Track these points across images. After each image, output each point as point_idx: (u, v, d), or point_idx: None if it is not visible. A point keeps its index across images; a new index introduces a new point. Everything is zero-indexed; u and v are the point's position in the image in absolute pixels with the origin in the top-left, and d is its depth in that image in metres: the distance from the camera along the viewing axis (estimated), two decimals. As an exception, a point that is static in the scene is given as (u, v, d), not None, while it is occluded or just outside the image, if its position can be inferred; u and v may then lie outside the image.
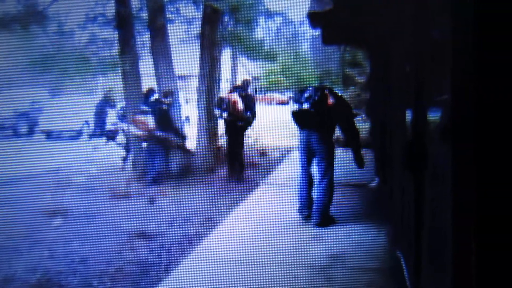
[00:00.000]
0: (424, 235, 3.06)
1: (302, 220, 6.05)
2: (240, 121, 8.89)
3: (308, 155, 6.14)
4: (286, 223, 5.94)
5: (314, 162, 6.17)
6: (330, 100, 6.03)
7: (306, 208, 6.11)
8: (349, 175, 7.83)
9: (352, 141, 6.31)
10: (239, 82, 11.18)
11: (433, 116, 2.71)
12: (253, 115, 9.12)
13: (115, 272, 5.07)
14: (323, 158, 6.08)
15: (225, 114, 8.87)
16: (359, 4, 6.90)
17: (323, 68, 15.44)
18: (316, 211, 6.01)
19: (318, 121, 6.03)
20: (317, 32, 11.31)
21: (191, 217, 6.95)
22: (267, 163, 10.47)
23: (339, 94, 6.58)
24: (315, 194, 6.11)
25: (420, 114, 3.19)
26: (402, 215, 4.35)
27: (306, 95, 6.08)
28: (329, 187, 6.05)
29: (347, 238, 5.47)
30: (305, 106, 6.02)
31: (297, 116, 6.14)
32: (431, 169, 2.79)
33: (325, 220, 5.96)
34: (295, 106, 6.15)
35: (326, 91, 6.17)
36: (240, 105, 8.86)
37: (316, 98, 6.00)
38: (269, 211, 6.51)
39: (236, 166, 9.05)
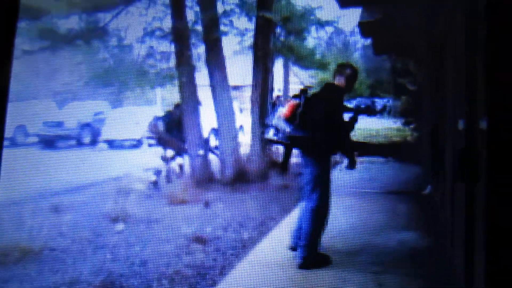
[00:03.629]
0: (476, 244, 3.06)
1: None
2: None
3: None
4: (336, 229, 5.81)
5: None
6: (286, 110, 4.97)
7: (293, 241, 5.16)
8: (402, 183, 7.83)
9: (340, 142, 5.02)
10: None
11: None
12: None
13: (173, 274, 5.24)
14: (308, 179, 4.93)
15: None
16: (408, 14, 6.93)
17: (374, 77, 15.37)
18: (299, 246, 4.95)
19: (298, 145, 5.02)
20: (368, 42, 11.36)
21: (245, 222, 7.06)
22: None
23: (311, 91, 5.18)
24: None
25: (473, 124, 3.17)
26: (453, 224, 4.37)
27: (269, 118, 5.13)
28: (315, 214, 4.88)
29: (400, 245, 5.45)
30: (271, 132, 5.04)
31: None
32: (483, 180, 2.75)
33: (309, 259, 4.86)
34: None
35: (293, 101, 5.04)
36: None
37: (275, 119, 4.98)
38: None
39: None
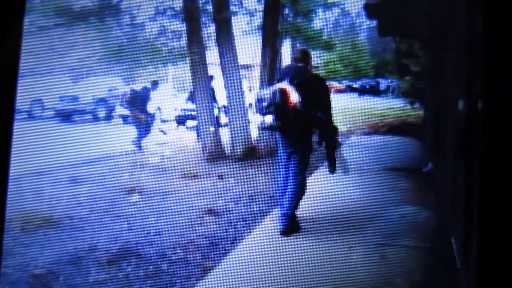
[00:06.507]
0: (474, 219, 3.11)
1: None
2: None
3: (287, 167, 5.45)
4: (343, 202, 6.09)
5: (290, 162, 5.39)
6: (293, 99, 5.11)
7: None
8: (404, 160, 7.99)
9: (327, 135, 5.42)
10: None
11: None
12: None
13: (186, 244, 5.43)
14: (300, 160, 5.32)
15: None
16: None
17: (379, 58, 15.49)
18: (284, 214, 5.34)
19: (291, 130, 5.31)
20: (373, 23, 11.51)
21: (255, 195, 7.22)
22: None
23: (309, 77, 5.49)
24: (286, 192, 5.38)
25: (472, 104, 3.22)
26: (453, 200, 4.57)
27: (265, 103, 5.13)
28: (302, 186, 5.34)
29: (401, 219, 5.64)
30: (268, 119, 5.22)
31: (269, 130, 5.73)
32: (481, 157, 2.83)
33: (291, 227, 5.30)
34: (259, 119, 5.45)
35: (286, 86, 5.19)
36: None
37: (276, 106, 5.10)
38: (327, 191, 6.64)
39: None
